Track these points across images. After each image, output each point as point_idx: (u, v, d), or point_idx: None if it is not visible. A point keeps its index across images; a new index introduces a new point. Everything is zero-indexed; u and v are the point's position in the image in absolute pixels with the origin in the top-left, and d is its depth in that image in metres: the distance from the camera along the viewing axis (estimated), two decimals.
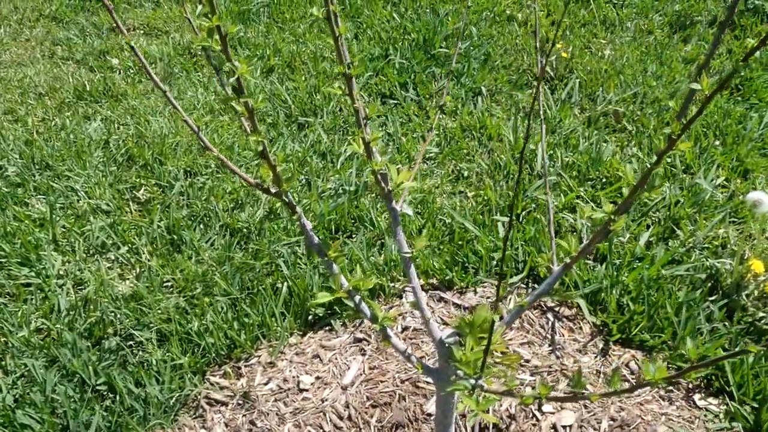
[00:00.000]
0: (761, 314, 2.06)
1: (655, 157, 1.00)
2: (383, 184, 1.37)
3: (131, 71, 3.83)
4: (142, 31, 4.28)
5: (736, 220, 2.47)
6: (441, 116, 3.17)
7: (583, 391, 1.02)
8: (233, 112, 3.28)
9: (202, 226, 2.64)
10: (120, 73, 3.84)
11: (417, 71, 3.43)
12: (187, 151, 3.05)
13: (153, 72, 3.69)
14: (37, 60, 4.06)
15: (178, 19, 4.31)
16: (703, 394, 1.91)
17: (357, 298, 1.36)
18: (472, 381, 1.15)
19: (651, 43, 3.68)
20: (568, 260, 1.29)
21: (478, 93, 3.29)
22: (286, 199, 1.30)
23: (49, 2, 4.70)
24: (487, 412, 1.85)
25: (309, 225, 1.35)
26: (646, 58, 3.52)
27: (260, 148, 1.17)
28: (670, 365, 1.96)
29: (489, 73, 3.40)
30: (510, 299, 2.18)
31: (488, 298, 2.21)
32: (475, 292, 2.24)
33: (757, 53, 3.41)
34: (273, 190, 1.31)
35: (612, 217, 1.13)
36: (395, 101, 3.29)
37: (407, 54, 3.57)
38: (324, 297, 1.28)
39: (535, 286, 2.24)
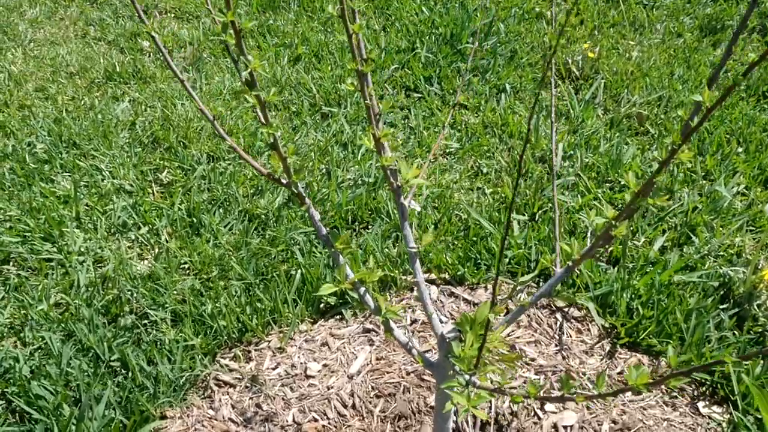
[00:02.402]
0: None
1: (655, 166, 1.02)
2: (392, 180, 1.39)
3: (160, 55, 3.87)
4: (173, 15, 4.33)
5: (753, 228, 2.46)
6: (463, 111, 3.18)
7: (573, 392, 1.04)
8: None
9: (221, 210, 2.68)
10: (150, 56, 3.89)
11: (442, 65, 3.44)
12: (211, 136, 3.09)
13: (182, 56, 3.75)
14: (69, 39, 4.12)
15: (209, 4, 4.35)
16: (707, 402, 1.92)
17: (362, 290, 1.39)
18: (467, 377, 1.17)
19: (680, 47, 3.66)
20: (570, 263, 1.30)
21: (502, 90, 3.29)
22: (296, 190, 1.33)
23: None
24: (487, 408, 1.88)
25: (317, 216, 1.38)
26: (674, 62, 3.51)
27: (271, 140, 1.20)
28: (675, 371, 1.97)
29: (514, 71, 3.41)
30: (520, 297, 2.19)
31: (499, 295, 2.23)
32: (486, 289, 2.26)
33: None
34: (284, 181, 1.34)
35: (614, 222, 1.15)
36: (419, 95, 3.31)
37: (433, 48, 3.58)
38: (328, 288, 1.31)
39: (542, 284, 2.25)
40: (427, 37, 3.68)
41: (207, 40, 3.97)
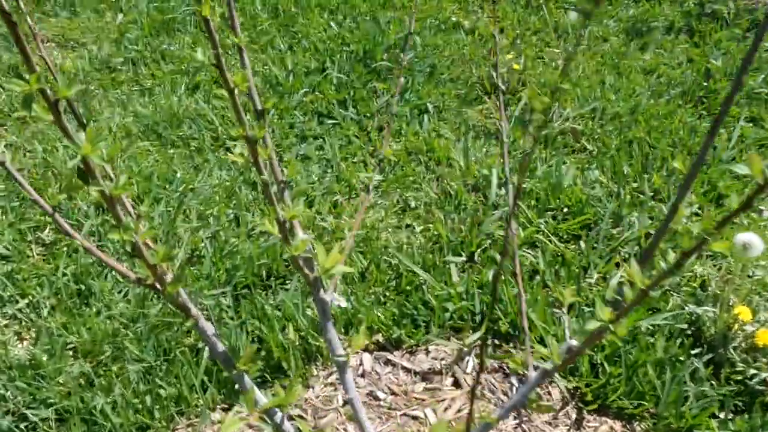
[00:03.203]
0: (752, 371, 1.81)
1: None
2: (307, 271, 1.07)
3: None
4: (56, 43, 3.90)
5: (712, 254, 2.22)
6: (382, 137, 2.87)
7: None
8: (155, 136, 2.94)
9: (114, 272, 2.31)
10: None
11: (357, 86, 3.13)
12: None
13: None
14: None
15: (95, 29, 3.94)
16: None
17: (278, 416, 1.06)
18: None
19: (607, 52, 3.43)
20: (549, 365, 1.00)
21: (423, 110, 3.00)
22: (178, 300, 1.00)
23: None
24: None
25: (211, 329, 1.04)
26: (603, 69, 3.27)
27: (128, 248, 0.87)
28: None
29: (435, 88, 3.12)
30: (467, 361, 1.89)
31: (442, 359, 1.92)
32: (427, 352, 1.95)
33: (719, 62, 3.19)
34: (161, 288, 1.00)
35: (610, 327, 0.86)
36: (333, 121, 2.98)
37: (346, 67, 3.26)
38: (232, 424, 0.97)
39: (496, 342, 1.96)
40: (338, 56, 3.36)
41: (94, 69, 3.57)
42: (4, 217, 2.55)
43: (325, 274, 1.02)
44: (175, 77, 3.40)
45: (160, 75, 3.45)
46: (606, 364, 1.81)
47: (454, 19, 3.74)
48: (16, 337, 2.16)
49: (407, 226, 2.44)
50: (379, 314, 2.02)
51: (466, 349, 1.90)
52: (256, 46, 3.61)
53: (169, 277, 0.95)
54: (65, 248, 2.42)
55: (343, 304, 1.14)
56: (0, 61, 3.72)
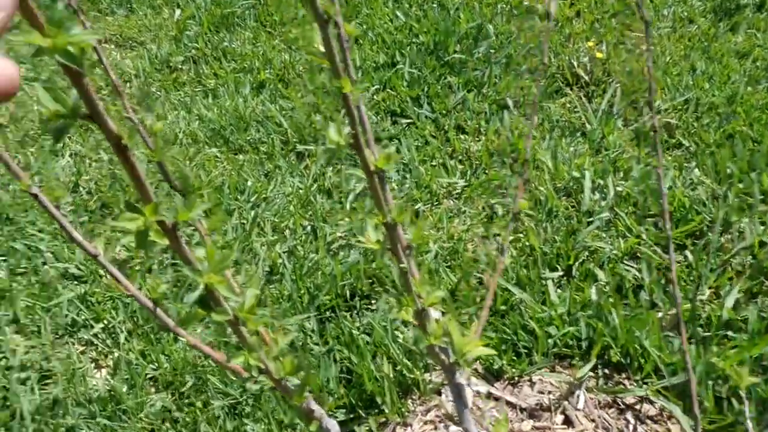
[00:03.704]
0: None
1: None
2: (443, 357, 0.93)
3: (104, 92, 3.36)
4: (114, 43, 3.80)
5: None
6: (462, 136, 2.72)
7: None
8: (222, 141, 2.82)
9: (189, 293, 2.21)
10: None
11: (430, 82, 2.97)
12: (168, 196, 2.60)
13: (128, 92, 3.24)
14: None
15: (153, 27, 3.83)
16: None
17: None
18: None
19: (694, 34, 3.22)
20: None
21: (503, 106, 2.83)
22: (302, 406, 0.87)
23: None
24: None
25: (336, 428, 0.92)
26: (692, 54, 3.06)
27: (254, 372, 0.74)
28: None
29: (514, 81, 2.94)
30: (578, 396, 1.74)
31: (549, 393, 1.78)
32: (532, 384, 1.80)
33: None
34: (282, 393, 0.87)
35: None
36: (408, 120, 2.83)
37: (417, 61, 3.10)
38: None
39: (606, 372, 1.81)
40: (408, 48, 3.20)
41: (155, 69, 3.47)
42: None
43: (462, 358, 0.88)
44: (238, 76, 3.28)
45: (222, 74, 3.33)
46: (735, 402, 1.65)
47: (526, 2, 3.54)
48: (93, 365, 2.08)
49: (495, 235, 2.30)
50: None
51: (575, 382, 1.75)
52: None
53: (273, 366, 0.83)
54: (138, 267, 2.32)
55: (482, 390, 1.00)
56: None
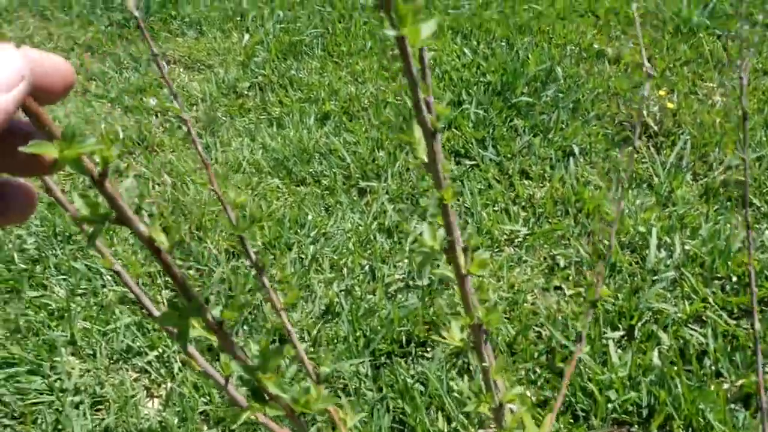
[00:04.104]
0: None
1: None
2: None
3: (170, 114, 3.41)
4: (183, 65, 3.86)
5: None
6: (526, 182, 2.68)
7: None
8: (285, 172, 2.83)
9: (245, 327, 2.21)
10: (157, 116, 3.42)
11: (496, 124, 2.95)
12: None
13: (194, 116, 3.28)
14: (68, 98, 3.67)
15: (222, 51, 3.88)
16: None
17: None
18: None
19: None
20: None
21: (569, 153, 2.79)
22: None
23: (85, 29, 4.30)
24: None
25: None
26: (766, 108, 2.99)
27: None
28: None
29: (581, 127, 2.90)
30: None
31: None
32: None
33: None
34: None
35: None
36: (472, 162, 2.81)
37: (483, 101, 3.08)
38: None
39: None
40: (475, 88, 3.18)
41: (221, 94, 3.50)
42: (134, 258, 2.49)
43: None
44: (303, 106, 3.30)
45: (288, 103, 3.35)
46: None
47: (596, 46, 3.51)
48: (146, 393, 2.08)
49: (556, 288, 2.25)
50: (533, 399, 1.85)
51: None
52: (387, 73, 3.48)
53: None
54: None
55: None
56: (128, 83, 3.70)
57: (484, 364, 0.76)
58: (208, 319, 0.57)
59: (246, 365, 0.60)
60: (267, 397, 0.69)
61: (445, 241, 0.65)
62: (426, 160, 0.62)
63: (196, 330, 0.65)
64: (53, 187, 0.84)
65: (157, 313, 0.79)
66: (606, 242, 2.34)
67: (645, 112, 2.90)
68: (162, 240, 0.54)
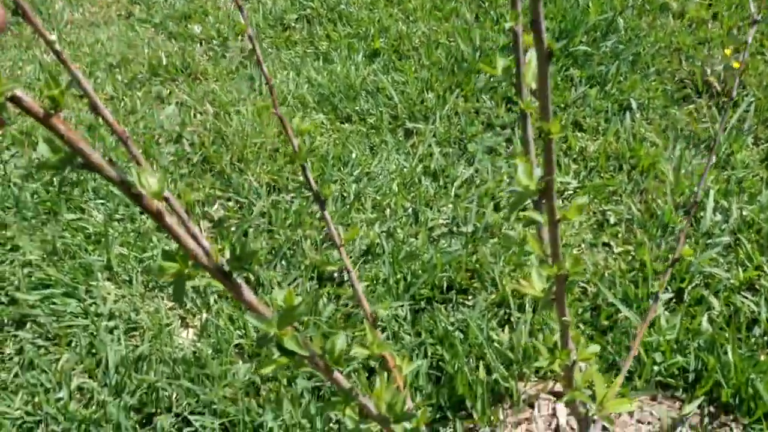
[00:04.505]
0: None
1: None
2: (580, 408, 0.85)
3: (214, 42, 3.34)
4: None
5: None
6: (579, 134, 2.59)
7: None
8: (330, 107, 2.76)
9: (283, 263, 2.17)
10: (201, 44, 3.35)
11: (552, 72, 2.84)
12: (271, 158, 2.56)
13: (239, 46, 3.21)
14: (111, 21, 3.61)
15: None
16: None
17: None
18: None
19: None
20: None
21: (626, 107, 2.69)
22: None
23: None
24: None
25: None
26: None
27: None
28: None
29: (640, 81, 2.78)
30: None
31: (648, 423, 1.68)
32: (631, 412, 1.71)
33: None
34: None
35: None
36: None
37: None
38: None
39: (712, 411, 1.69)
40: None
41: (268, 26, 3.42)
42: (173, 185, 2.45)
43: (602, 413, 0.80)
44: (351, 41, 3.21)
45: (336, 38, 3.26)
46: None
47: None
48: (180, 322, 2.06)
49: (605, 244, 2.18)
50: None
51: (678, 417, 1.65)
52: (439, 13, 3.37)
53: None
54: (234, 229, 2.29)
55: None
56: (173, 9, 3.63)
57: (564, 318, 0.70)
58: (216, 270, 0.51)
59: (262, 318, 0.54)
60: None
61: (543, 182, 0.59)
62: (534, 85, 0.55)
63: (205, 279, 0.60)
64: (99, 105, 0.78)
65: (204, 241, 0.74)
66: (659, 201, 2.26)
67: (708, 71, 2.78)
68: (148, 185, 0.46)
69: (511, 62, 0.82)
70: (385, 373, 0.82)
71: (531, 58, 0.58)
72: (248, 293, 0.51)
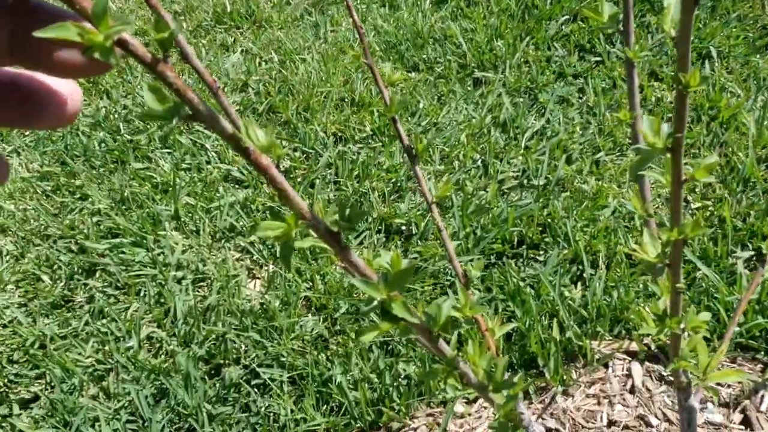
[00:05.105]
0: None
1: None
2: (682, 378, 0.81)
3: None
4: None
5: None
6: (655, 84, 2.49)
7: None
8: (396, 56, 2.70)
9: None
10: None
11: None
12: (337, 108, 2.52)
13: None
14: None
15: None
16: None
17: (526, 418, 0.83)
18: None
19: None
20: None
21: (705, 55, 2.57)
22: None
23: None
24: None
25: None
26: None
27: None
28: None
29: (720, 28, 2.66)
30: (762, 396, 1.58)
31: (729, 387, 1.62)
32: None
33: None
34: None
35: None
36: (597, 58, 2.62)
37: None
38: None
39: None
40: None
41: None
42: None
43: (704, 383, 0.75)
44: None
45: None
46: None
47: None
48: (247, 274, 2.06)
49: (685, 202, 2.10)
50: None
51: (761, 380, 1.59)
52: None
53: None
54: (300, 180, 2.27)
55: None
56: None
57: (678, 285, 0.65)
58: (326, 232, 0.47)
59: (371, 283, 0.50)
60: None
61: (671, 139, 0.54)
62: (674, 33, 0.50)
63: (308, 241, 0.55)
64: (190, 54, 0.74)
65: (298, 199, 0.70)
66: (740, 155, 2.16)
67: None
68: (256, 138, 0.42)
69: (616, 11, 0.76)
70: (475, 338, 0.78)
71: (671, 2, 0.52)
72: (355, 256, 0.47)
